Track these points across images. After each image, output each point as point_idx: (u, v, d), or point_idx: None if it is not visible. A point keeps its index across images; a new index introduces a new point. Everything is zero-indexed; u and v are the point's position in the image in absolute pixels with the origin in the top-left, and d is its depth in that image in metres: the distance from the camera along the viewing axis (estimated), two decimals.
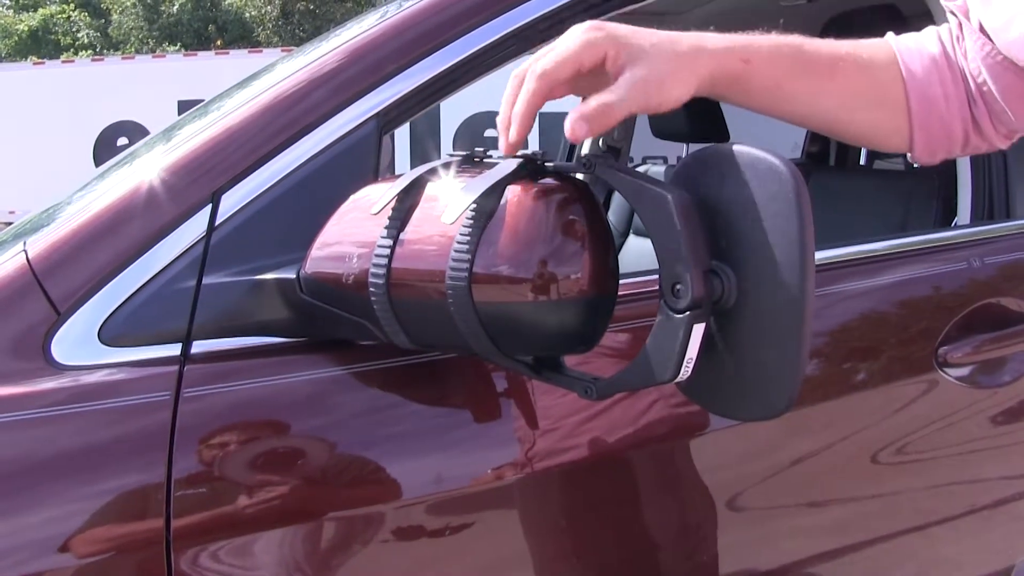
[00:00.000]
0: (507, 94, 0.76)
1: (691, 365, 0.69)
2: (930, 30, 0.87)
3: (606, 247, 0.73)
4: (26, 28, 20.57)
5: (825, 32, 1.65)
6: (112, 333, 0.86)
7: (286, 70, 1.04)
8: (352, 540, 0.89)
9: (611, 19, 1.13)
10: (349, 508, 0.88)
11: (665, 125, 2.28)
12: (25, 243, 0.91)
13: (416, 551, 0.91)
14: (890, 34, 0.87)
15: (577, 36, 0.73)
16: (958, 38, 0.84)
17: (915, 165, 1.99)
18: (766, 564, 1.11)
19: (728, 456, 1.07)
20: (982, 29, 0.81)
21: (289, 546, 0.86)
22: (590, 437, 0.98)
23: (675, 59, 0.73)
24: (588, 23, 0.74)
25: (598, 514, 1.02)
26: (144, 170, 0.94)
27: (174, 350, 0.87)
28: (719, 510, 1.06)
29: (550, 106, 0.76)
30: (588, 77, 0.74)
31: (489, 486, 0.93)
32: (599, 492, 1.01)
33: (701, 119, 2.19)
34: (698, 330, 0.67)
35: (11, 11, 21.02)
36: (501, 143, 0.76)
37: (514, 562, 0.96)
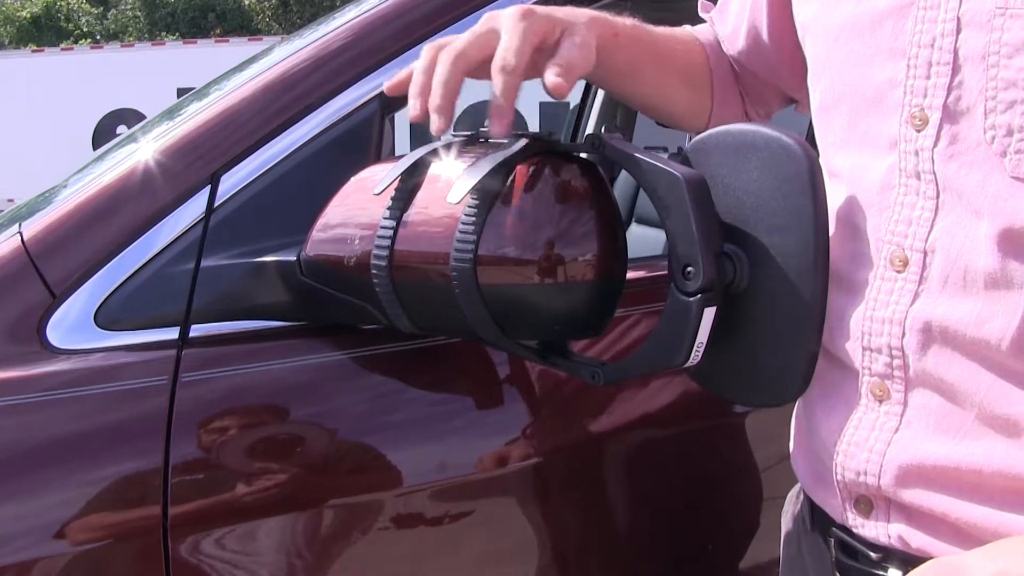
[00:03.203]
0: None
1: (702, 349, 0.67)
2: (706, 27, 0.96)
3: (615, 229, 0.72)
4: (28, 15, 20.51)
5: None
6: (109, 317, 0.85)
7: (285, 51, 1.03)
8: (352, 528, 0.87)
9: (607, 7, 1.12)
10: (349, 495, 0.87)
11: None
12: (21, 226, 0.90)
13: (417, 539, 0.90)
14: (686, 26, 0.96)
15: (514, 23, 0.72)
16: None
17: None
18: (773, 554, 1.10)
19: (737, 443, 1.06)
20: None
21: (289, 533, 0.85)
22: (595, 424, 0.96)
23: (590, 25, 0.76)
24: (514, 9, 0.73)
25: (602, 502, 1.01)
26: (141, 152, 0.93)
27: (172, 334, 0.85)
28: (727, 498, 1.05)
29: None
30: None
31: (491, 473, 0.92)
32: (604, 479, 1.00)
33: None
34: (709, 314, 0.66)
35: None
36: (433, 124, 0.71)
37: (516, 550, 0.95)
